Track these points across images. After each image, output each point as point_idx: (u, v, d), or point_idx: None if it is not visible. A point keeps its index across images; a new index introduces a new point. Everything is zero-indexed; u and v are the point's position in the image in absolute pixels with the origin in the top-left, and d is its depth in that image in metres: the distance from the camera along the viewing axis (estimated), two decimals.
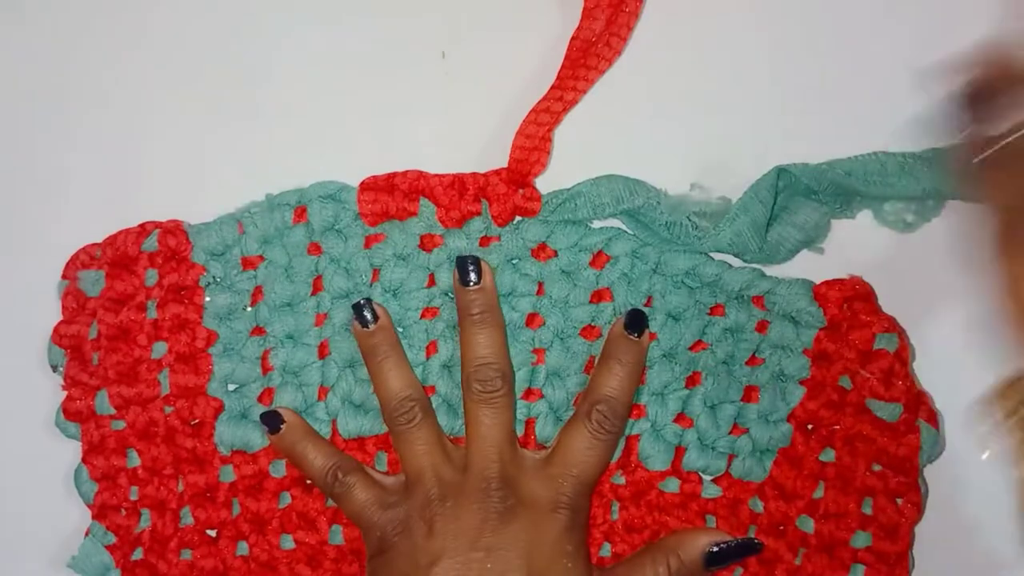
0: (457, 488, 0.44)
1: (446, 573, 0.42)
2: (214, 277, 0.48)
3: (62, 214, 0.49)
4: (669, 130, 0.49)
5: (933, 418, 0.46)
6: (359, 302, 0.46)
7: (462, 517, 0.43)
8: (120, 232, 0.48)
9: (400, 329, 0.48)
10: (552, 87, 0.47)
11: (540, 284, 0.47)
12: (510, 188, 0.47)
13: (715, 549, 0.45)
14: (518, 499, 0.44)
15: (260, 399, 0.48)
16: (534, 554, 0.43)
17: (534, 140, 0.47)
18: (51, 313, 0.48)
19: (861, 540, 0.47)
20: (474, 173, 0.47)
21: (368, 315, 0.46)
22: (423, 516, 0.44)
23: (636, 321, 0.46)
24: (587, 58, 0.47)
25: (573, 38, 0.47)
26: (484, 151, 0.48)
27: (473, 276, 0.46)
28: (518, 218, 0.48)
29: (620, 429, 0.46)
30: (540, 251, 0.47)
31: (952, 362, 0.47)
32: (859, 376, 0.46)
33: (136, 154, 0.50)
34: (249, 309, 0.48)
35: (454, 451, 0.46)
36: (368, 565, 0.45)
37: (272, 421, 0.46)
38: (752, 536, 0.47)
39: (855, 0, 0.50)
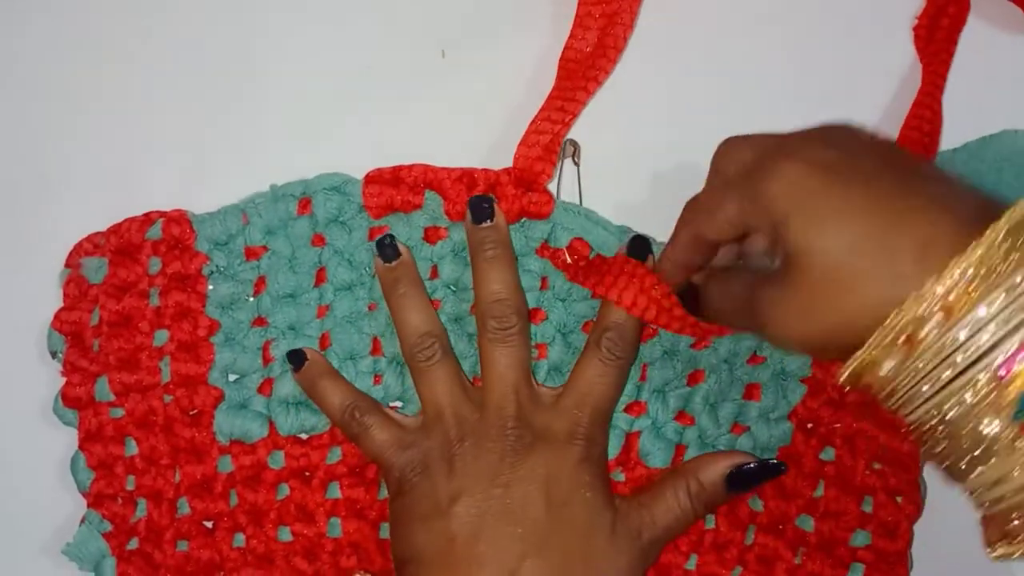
0: (475, 427, 0.44)
1: (467, 511, 0.42)
2: (217, 266, 0.48)
3: (67, 204, 0.49)
4: (668, 134, 0.50)
5: None
6: (383, 238, 0.46)
7: (481, 456, 0.43)
8: (125, 220, 0.48)
9: None
10: (550, 96, 0.48)
11: (544, 279, 0.47)
12: (518, 190, 0.47)
13: (736, 471, 0.45)
14: (534, 435, 0.44)
15: (260, 390, 0.47)
16: (552, 486, 0.43)
17: (536, 149, 0.47)
18: (53, 303, 0.48)
19: (861, 539, 0.47)
20: (485, 169, 0.47)
21: (391, 252, 0.46)
22: (443, 456, 0.44)
23: (638, 248, 0.46)
24: (586, 69, 0.48)
25: (566, 48, 0.48)
26: (484, 148, 0.49)
27: (487, 212, 0.46)
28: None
29: (631, 355, 0.45)
30: (543, 248, 0.48)
31: None
32: None
33: (141, 145, 0.50)
34: (251, 299, 0.48)
35: (473, 391, 0.46)
36: (389, 507, 0.45)
37: (297, 358, 0.46)
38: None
39: (851, 4, 0.50)
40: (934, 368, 0.33)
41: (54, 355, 0.47)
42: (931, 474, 0.47)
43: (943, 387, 0.33)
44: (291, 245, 0.48)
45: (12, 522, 0.48)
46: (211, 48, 0.50)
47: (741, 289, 0.39)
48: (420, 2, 0.50)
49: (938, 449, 0.35)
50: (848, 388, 0.36)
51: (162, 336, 0.47)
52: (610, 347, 0.45)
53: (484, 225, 0.46)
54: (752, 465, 0.45)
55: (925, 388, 0.34)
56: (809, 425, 0.47)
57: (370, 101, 0.50)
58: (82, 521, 0.47)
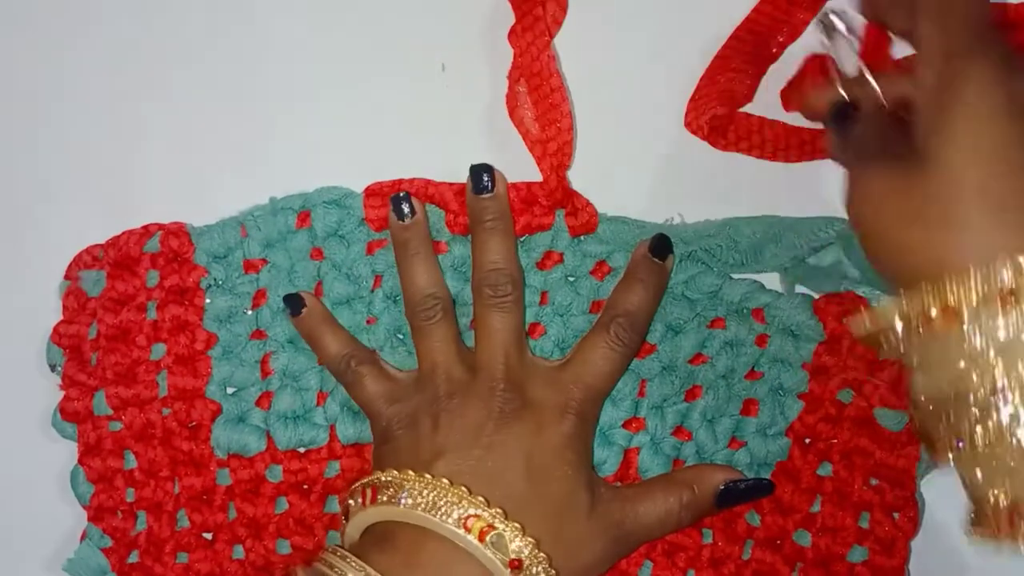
0: (465, 387, 0.44)
1: (447, 467, 0.42)
2: (215, 279, 0.48)
3: (66, 216, 0.49)
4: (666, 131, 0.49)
5: None
6: (398, 194, 0.46)
7: (467, 415, 0.43)
8: (123, 233, 0.48)
9: (400, 336, 0.48)
10: None
11: (544, 294, 0.47)
12: (522, 205, 0.47)
13: (727, 487, 0.45)
14: (524, 401, 0.44)
15: (258, 403, 0.47)
16: (534, 455, 0.43)
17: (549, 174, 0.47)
18: (53, 315, 0.48)
19: (858, 555, 0.47)
20: None
21: (405, 208, 0.46)
22: (429, 412, 0.44)
23: (661, 246, 0.46)
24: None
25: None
26: (484, 162, 0.48)
27: (487, 183, 0.46)
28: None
29: (637, 345, 0.46)
30: (547, 259, 0.48)
31: None
32: (869, 384, 0.46)
33: (141, 157, 0.49)
34: (250, 312, 0.48)
35: (468, 354, 0.46)
36: (373, 452, 0.46)
37: (295, 304, 0.46)
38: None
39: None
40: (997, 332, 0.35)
41: (53, 368, 0.48)
42: (928, 490, 0.47)
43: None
44: (290, 258, 0.48)
45: (12, 535, 0.49)
46: (211, 61, 0.50)
47: (872, 143, 0.41)
48: (420, 15, 0.50)
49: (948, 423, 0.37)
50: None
51: (159, 350, 0.47)
52: (619, 332, 0.45)
53: (484, 196, 0.46)
54: (743, 484, 0.45)
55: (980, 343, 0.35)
56: (807, 440, 0.47)
57: (370, 114, 0.49)
58: (82, 537, 0.47)
